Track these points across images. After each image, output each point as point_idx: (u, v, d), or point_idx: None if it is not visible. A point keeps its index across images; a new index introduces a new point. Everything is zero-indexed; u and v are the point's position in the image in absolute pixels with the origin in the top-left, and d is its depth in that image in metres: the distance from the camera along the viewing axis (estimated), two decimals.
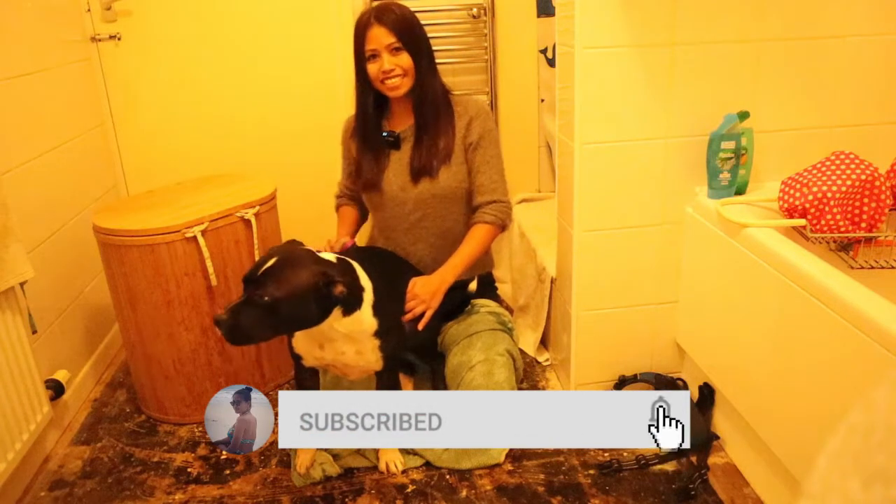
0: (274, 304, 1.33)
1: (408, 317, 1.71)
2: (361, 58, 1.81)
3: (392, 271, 1.81)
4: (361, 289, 1.51)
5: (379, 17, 1.78)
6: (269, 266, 1.36)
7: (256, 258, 1.93)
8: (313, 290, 1.36)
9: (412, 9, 1.84)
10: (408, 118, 1.90)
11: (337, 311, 1.43)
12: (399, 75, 1.79)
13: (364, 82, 1.85)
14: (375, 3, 1.91)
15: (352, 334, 1.53)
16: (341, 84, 2.62)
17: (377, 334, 1.55)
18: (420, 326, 1.72)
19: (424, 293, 1.75)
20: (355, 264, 1.56)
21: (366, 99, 1.88)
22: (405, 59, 1.79)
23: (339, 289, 1.38)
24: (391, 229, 1.96)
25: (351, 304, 1.46)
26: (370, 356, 1.58)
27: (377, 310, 1.53)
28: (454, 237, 1.92)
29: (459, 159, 1.88)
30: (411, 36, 1.79)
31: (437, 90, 1.87)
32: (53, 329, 1.99)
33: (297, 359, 1.64)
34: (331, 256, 1.50)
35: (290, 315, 1.37)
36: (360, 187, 1.95)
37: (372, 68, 1.80)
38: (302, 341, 1.59)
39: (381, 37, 1.77)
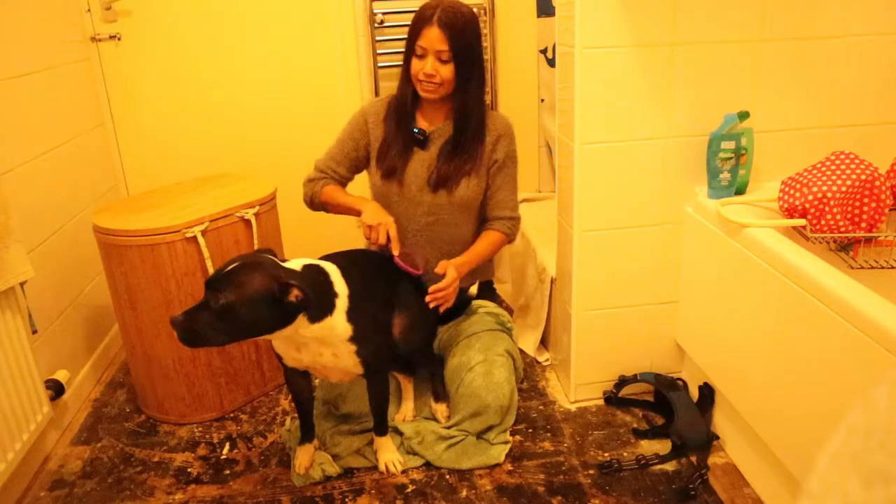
0: (227, 308, 1.34)
1: (432, 303, 1.74)
2: (411, 49, 1.79)
3: (375, 274, 1.73)
4: (335, 294, 1.49)
5: (441, 20, 1.72)
6: (228, 270, 1.37)
7: None
8: (266, 296, 1.35)
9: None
10: (438, 118, 1.90)
11: (302, 318, 1.41)
12: (436, 83, 1.78)
13: (409, 72, 1.83)
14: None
15: (325, 339, 1.51)
16: (342, 83, 2.63)
17: (352, 339, 1.53)
18: (441, 310, 1.77)
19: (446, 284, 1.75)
20: (332, 268, 1.54)
21: (407, 90, 1.86)
22: (448, 71, 1.76)
23: (295, 293, 1.36)
24: (400, 227, 1.93)
25: (319, 310, 1.44)
26: (347, 360, 1.56)
27: (352, 315, 1.51)
28: (462, 245, 1.91)
29: (482, 173, 1.88)
30: (465, 51, 1.76)
31: (479, 108, 1.85)
32: (53, 329, 1.99)
33: (279, 358, 1.64)
34: (296, 265, 1.47)
35: (243, 320, 1.36)
36: (383, 172, 1.90)
37: (415, 64, 1.78)
38: (280, 343, 1.57)
39: (434, 40, 1.73)
